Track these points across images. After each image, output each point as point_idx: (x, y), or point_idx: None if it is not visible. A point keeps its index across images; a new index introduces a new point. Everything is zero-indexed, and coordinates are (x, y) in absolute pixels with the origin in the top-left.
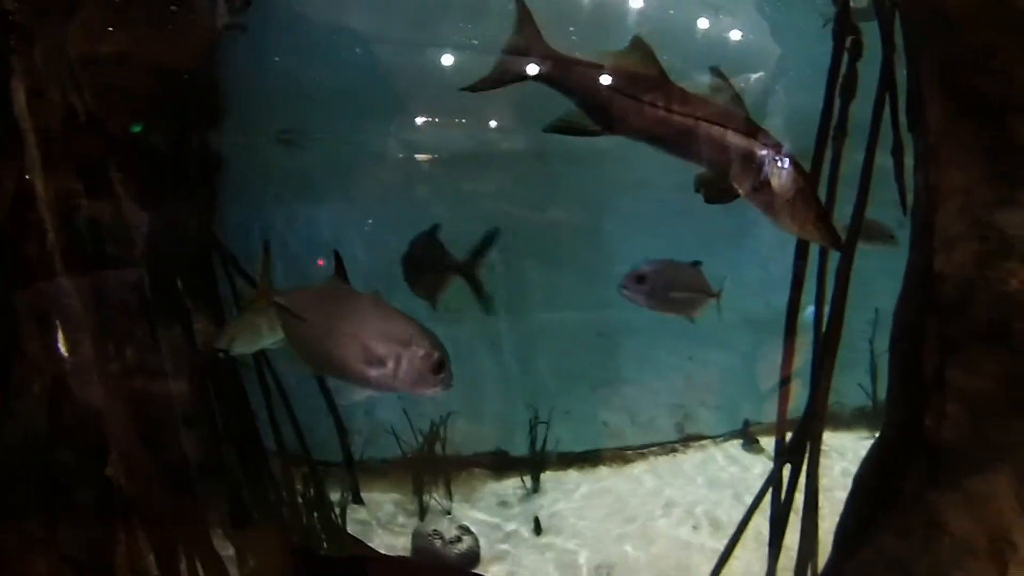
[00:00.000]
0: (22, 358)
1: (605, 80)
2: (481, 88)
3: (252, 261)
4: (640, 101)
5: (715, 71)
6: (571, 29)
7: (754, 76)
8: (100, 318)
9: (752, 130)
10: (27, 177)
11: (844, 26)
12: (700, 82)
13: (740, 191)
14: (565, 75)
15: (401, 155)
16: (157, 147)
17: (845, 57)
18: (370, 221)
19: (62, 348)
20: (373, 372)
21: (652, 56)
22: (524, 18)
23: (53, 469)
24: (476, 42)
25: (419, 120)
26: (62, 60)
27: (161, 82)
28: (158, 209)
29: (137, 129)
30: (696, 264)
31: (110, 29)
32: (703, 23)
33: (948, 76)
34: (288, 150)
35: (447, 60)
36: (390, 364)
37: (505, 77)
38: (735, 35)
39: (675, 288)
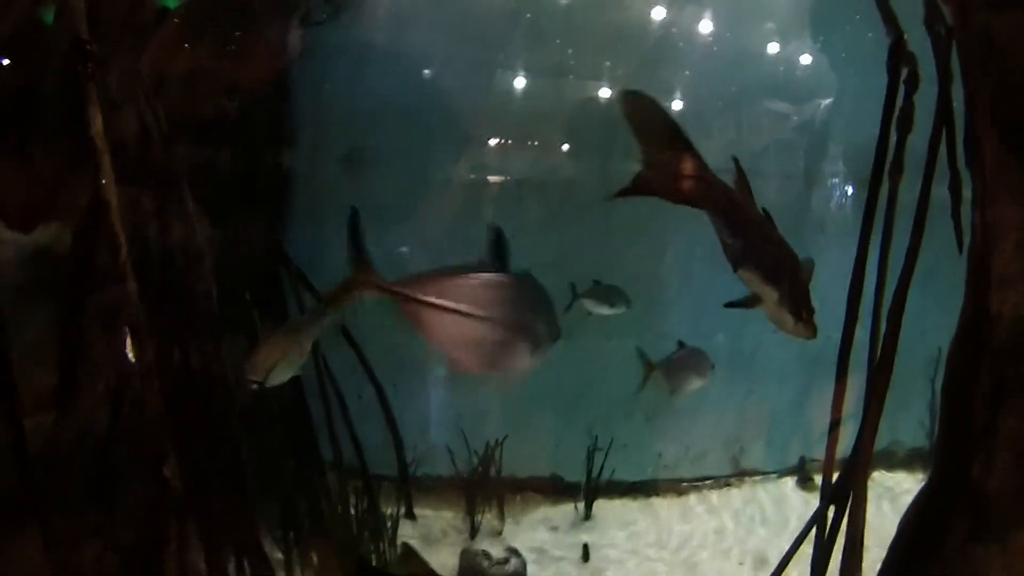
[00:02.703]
0: (88, 359)
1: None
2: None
3: (318, 277)
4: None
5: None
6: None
7: (824, 103)
8: (167, 326)
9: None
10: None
11: (899, 57)
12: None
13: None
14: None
15: (467, 179)
16: (228, 165)
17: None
18: (404, 248)
19: (129, 353)
20: None
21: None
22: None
23: (110, 465)
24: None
25: (486, 143)
26: (135, 81)
27: (231, 102)
28: (229, 224)
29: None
30: None
31: (181, 50)
32: (772, 47)
33: (1001, 108)
34: (356, 171)
35: (517, 83)
36: None
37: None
38: (804, 60)
39: None
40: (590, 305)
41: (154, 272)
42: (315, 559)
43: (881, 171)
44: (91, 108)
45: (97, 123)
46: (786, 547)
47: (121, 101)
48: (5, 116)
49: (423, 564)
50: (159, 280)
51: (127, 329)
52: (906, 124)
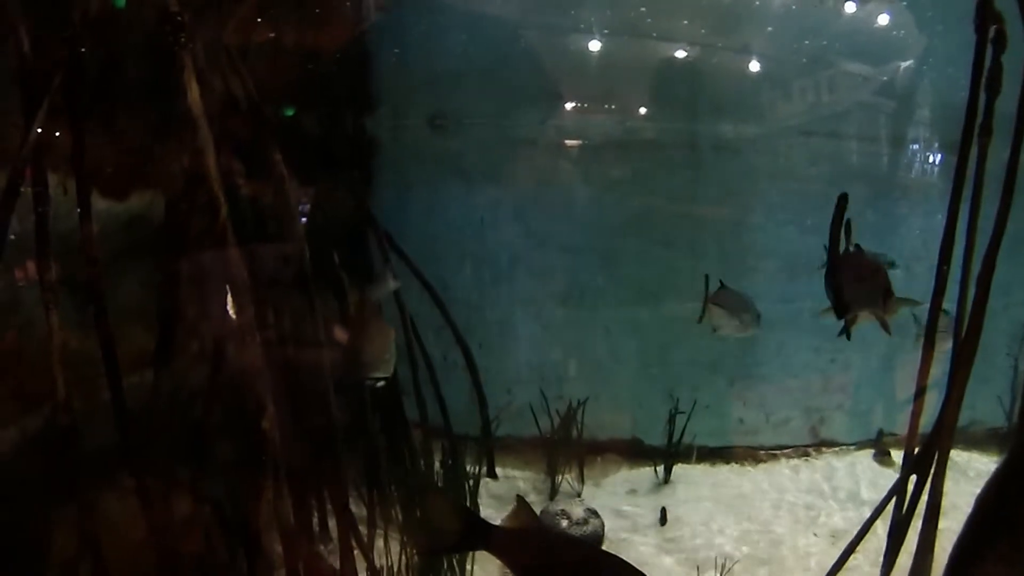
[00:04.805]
0: (183, 320)
1: None
2: None
3: (404, 239)
4: None
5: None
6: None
7: (903, 64)
8: (261, 287)
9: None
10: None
11: (986, 16)
12: (844, 69)
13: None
14: None
15: (549, 141)
16: (311, 130)
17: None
18: (482, 217)
19: (231, 312)
20: None
21: None
22: None
23: (203, 422)
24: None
25: (567, 106)
26: (220, 51)
27: (312, 68)
28: (316, 188)
29: (289, 113)
30: None
31: (260, 20)
32: (849, 7)
33: None
34: (440, 134)
35: (593, 45)
36: None
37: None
38: (882, 20)
39: None
40: None
41: (248, 235)
42: (400, 512)
43: (971, 134)
44: (187, 77)
45: (194, 91)
46: (860, 521)
47: (207, 73)
48: (95, 92)
49: (534, 518)
50: (253, 242)
51: (227, 289)
52: (994, 85)
